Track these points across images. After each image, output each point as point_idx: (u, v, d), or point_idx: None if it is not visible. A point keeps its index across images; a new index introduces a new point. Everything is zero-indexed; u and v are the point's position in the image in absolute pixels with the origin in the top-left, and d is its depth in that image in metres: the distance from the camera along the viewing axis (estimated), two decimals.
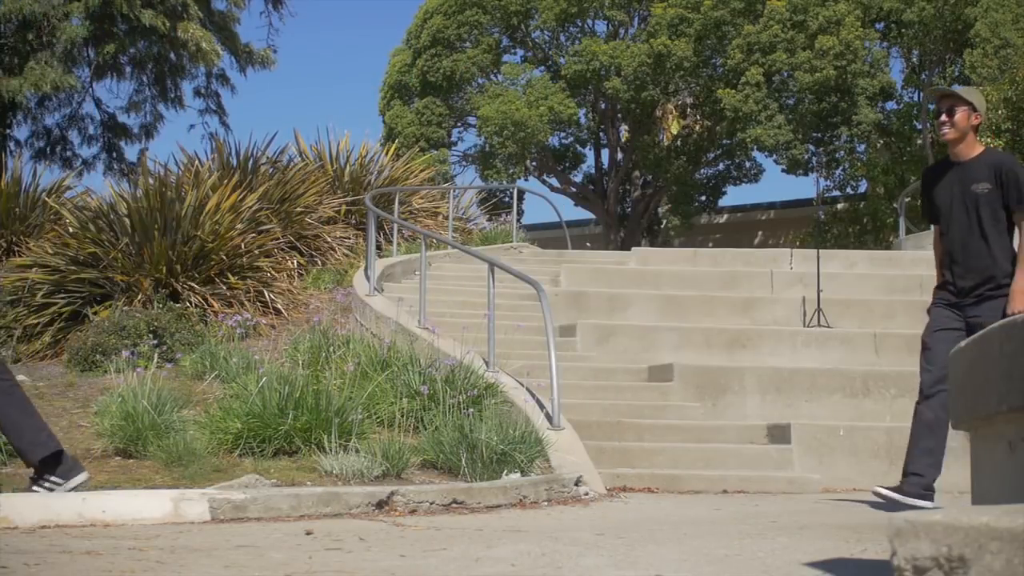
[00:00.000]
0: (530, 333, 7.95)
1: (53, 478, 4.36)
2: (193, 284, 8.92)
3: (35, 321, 8.68)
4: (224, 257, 9.23)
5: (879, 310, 9.75)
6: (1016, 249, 5.11)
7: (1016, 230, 5.17)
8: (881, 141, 24.10)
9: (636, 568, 3.01)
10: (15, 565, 3.00)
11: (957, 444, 6.49)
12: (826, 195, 23.64)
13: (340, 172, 13.76)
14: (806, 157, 23.22)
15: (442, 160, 24.06)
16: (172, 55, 18.44)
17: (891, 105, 24.72)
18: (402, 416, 5.76)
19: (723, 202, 26.87)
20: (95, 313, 8.45)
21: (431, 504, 4.74)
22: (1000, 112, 18.62)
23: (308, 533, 3.91)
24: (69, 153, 19.53)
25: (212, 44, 17.52)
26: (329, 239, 11.70)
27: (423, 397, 5.94)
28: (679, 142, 25.64)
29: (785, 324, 9.50)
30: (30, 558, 3.16)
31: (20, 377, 7.32)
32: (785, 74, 22.74)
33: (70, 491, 4.32)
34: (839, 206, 24.77)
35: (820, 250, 10.58)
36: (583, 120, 25.95)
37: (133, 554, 3.30)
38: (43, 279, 8.85)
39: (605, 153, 27.39)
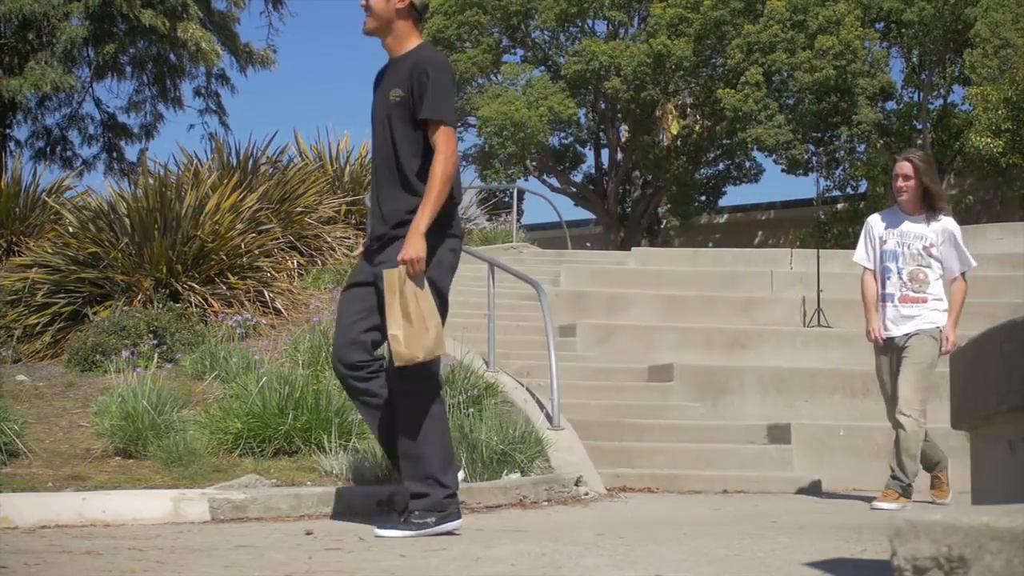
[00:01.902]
0: (530, 333, 7.95)
1: None
2: (193, 284, 8.91)
3: (35, 321, 8.67)
4: (224, 257, 9.22)
5: None
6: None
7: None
8: (881, 141, 24.10)
9: (636, 568, 3.01)
10: (15, 565, 3.00)
11: (957, 444, 6.49)
12: (826, 195, 23.66)
13: (340, 172, 13.75)
14: (806, 157, 23.24)
15: None
16: (172, 55, 18.43)
17: (891, 105, 24.74)
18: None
19: (723, 202, 26.89)
20: (95, 313, 8.44)
21: None
22: (1000, 112, 18.62)
23: (308, 533, 3.91)
24: (69, 153, 19.53)
25: (212, 44, 17.51)
26: (329, 239, 11.69)
27: None
28: (679, 142, 25.64)
29: (785, 324, 9.50)
30: (30, 558, 3.15)
31: (20, 377, 7.34)
32: (785, 74, 22.75)
33: None
34: (839, 206, 24.78)
35: (820, 250, 10.58)
36: (583, 120, 25.96)
37: (133, 554, 3.30)
38: (43, 279, 8.85)
39: (605, 153, 27.40)
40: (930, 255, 5.60)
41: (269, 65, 19.35)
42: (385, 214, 3.97)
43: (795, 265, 11.23)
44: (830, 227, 24.28)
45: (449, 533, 3.85)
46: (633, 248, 13.89)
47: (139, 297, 8.61)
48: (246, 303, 9.03)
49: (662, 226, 27.20)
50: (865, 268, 5.84)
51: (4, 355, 8.04)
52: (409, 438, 3.88)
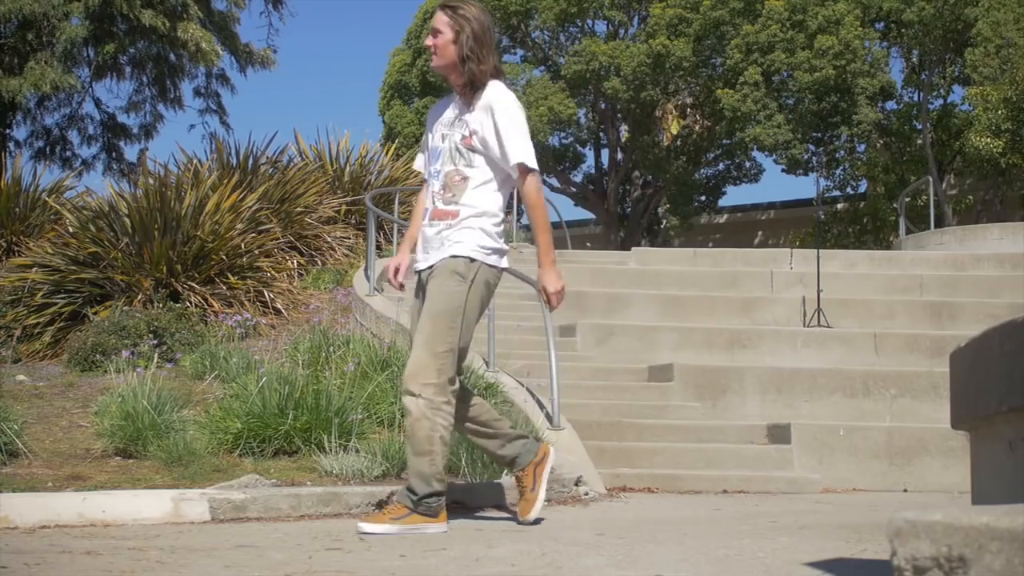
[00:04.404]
0: (530, 333, 7.95)
1: None
2: (193, 284, 8.91)
3: (35, 321, 8.67)
4: (224, 257, 9.23)
5: (879, 310, 9.75)
6: None
7: None
8: (881, 141, 24.11)
9: (636, 568, 3.01)
10: (15, 565, 3.00)
11: (957, 444, 6.50)
12: (826, 195, 23.67)
13: (340, 172, 13.76)
14: (806, 157, 23.24)
15: None
16: (172, 55, 18.45)
17: (891, 105, 24.74)
18: (402, 416, 5.75)
19: (723, 202, 26.89)
20: (95, 313, 8.44)
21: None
22: (1000, 112, 18.63)
23: (308, 533, 3.91)
24: (69, 153, 19.56)
25: (212, 44, 17.52)
26: (329, 239, 11.70)
27: None
28: (679, 142, 25.65)
29: (785, 324, 9.51)
30: (30, 558, 3.16)
31: (20, 377, 7.34)
32: (784, 74, 22.75)
33: None
34: (839, 206, 24.80)
35: (820, 250, 10.58)
36: (583, 120, 25.96)
37: (133, 554, 3.30)
38: (43, 279, 8.85)
39: (605, 153, 27.40)
40: (471, 149, 3.94)
41: (269, 65, 19.37)
42: None
43: (795, 265, 11.23)
44: (830, 227, 24.30)
45: None
46: (633, 248, 13.89)
47: (139, 297, 8.61)
48: (246, 303, 9.03)
49: (662, 226, 27.19)
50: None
51: (4, 355, 8.04)
52: None
